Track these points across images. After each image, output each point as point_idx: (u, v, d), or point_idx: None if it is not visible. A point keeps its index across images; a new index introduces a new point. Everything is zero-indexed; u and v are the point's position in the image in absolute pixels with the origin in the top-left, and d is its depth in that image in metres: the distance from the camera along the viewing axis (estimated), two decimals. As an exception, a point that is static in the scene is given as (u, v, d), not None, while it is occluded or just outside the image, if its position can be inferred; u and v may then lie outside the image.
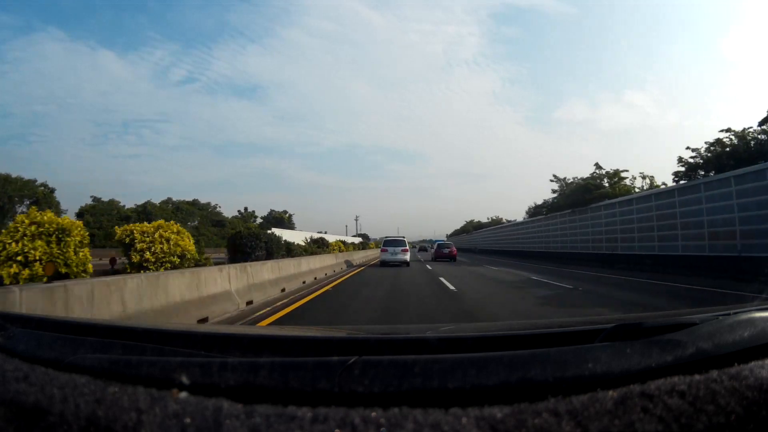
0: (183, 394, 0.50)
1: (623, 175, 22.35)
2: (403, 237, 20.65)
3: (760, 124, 15.31)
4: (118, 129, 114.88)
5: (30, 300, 3.29)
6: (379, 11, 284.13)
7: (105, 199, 48.22)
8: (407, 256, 18.48)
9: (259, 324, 5.33)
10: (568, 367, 0.53)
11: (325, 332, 1.46)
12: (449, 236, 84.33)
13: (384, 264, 18.04)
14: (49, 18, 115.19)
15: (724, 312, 0.75)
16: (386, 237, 20.16)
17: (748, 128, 15.89)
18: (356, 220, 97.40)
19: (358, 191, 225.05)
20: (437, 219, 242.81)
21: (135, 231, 7.64)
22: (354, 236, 70.22)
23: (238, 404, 0.48)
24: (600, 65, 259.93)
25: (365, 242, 55.23)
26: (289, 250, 15.27)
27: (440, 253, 25.76)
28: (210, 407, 0.47)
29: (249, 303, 6.83)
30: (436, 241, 42.12)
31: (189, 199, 56.68)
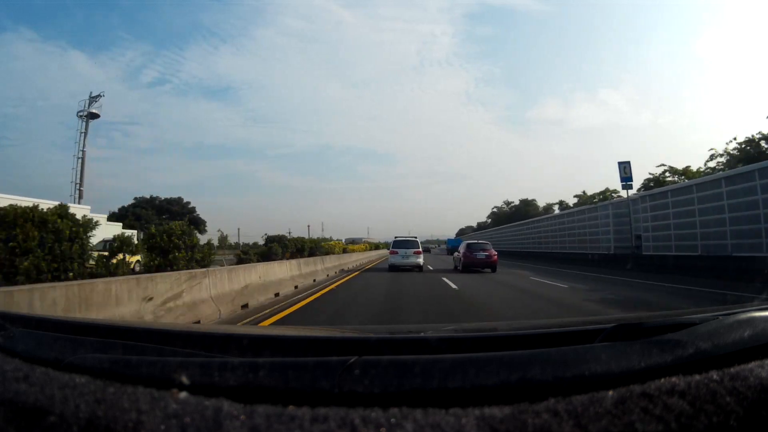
0: (183, 394, 0.50)
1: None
2: (416, 237, 17.39)
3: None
4: (89, 131, 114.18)
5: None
6: (352, 9, 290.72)
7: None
8: (420, 259, 16.15)
9: None
10: (568, 367, 0.53)
11: (325, 332, 1.46)
12: (458, 235, 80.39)
13: (393, 268, 15.96)
14: (20, 18, 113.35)
15: (724, 312, 0.75)
16: (396, 237, 17.45)
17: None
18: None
19: (330, 192, 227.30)
20: (412, 219, 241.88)
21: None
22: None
23: (238, 404, 0.48)
24: (574, 64, 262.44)
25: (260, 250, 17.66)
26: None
27: (472, 258, 14.76)
28: (210, 407, 0.47)
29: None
30: (455, 242, 30.70)
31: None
